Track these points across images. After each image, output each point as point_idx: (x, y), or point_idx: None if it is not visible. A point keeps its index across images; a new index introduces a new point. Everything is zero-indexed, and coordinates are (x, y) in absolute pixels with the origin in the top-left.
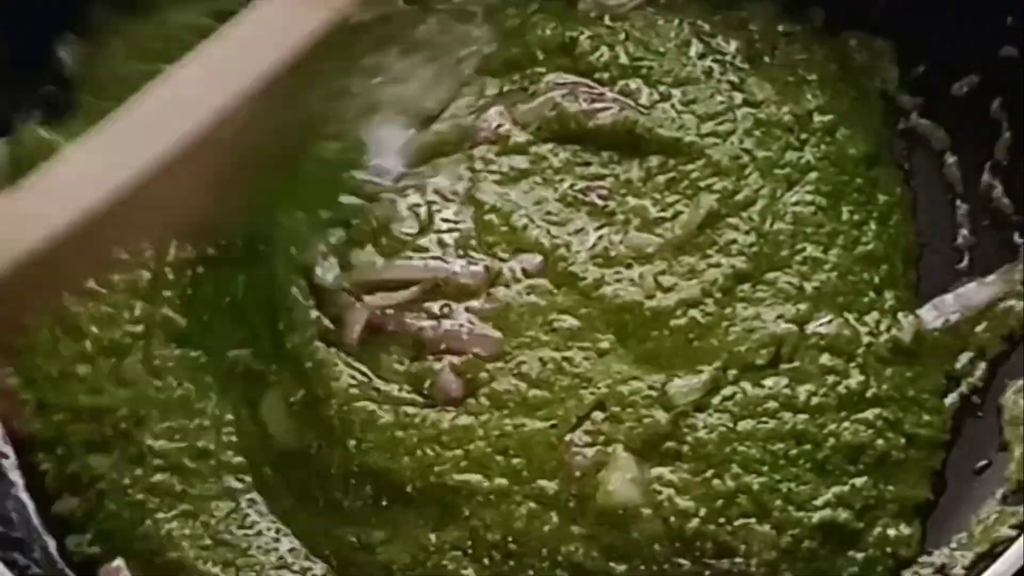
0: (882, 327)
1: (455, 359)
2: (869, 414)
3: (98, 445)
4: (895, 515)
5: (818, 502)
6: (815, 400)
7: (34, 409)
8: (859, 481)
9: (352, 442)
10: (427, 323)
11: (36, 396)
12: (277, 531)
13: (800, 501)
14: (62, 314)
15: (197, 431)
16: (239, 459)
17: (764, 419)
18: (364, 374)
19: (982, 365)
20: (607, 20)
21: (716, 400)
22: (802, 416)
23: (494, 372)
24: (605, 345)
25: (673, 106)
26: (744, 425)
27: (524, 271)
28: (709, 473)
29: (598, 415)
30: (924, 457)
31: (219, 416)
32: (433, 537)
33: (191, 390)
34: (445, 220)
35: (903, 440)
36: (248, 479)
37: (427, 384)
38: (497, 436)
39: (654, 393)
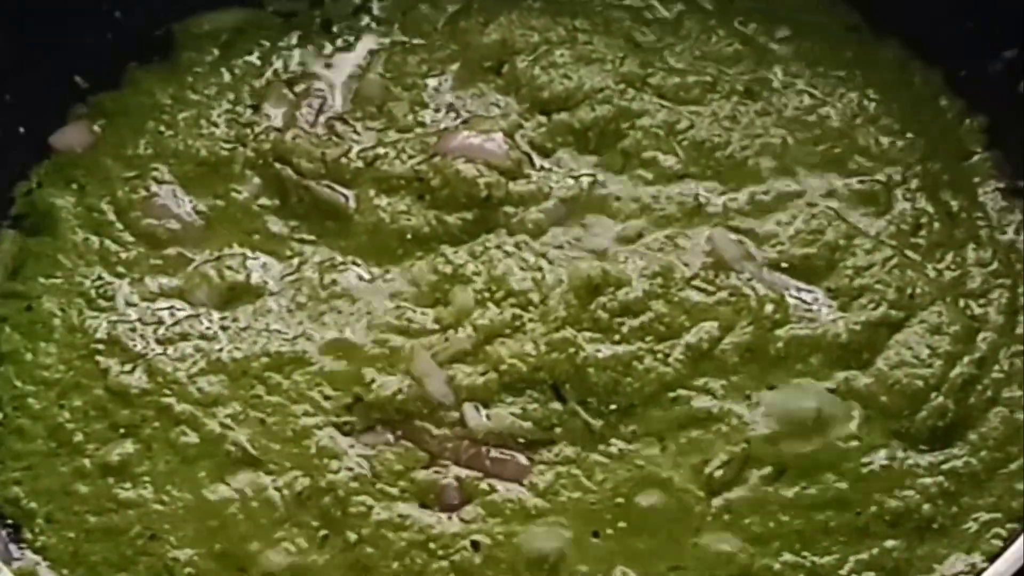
0: None
1: (461, 472)
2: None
3: (120, 564)
4: (923, 572)
5: (843, 571)
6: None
7: (44, 523)
8: (892, 543)
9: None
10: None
11: (43, 508)
12: None
13: (824, 574)
14: (55, 429)
15: (213, 533)
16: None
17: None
18: (364, 467)
19: None
20: None
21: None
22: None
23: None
24: None
25: None
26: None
27: None
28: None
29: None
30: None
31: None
32: None
33: (193, 499)
34: None
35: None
36: None
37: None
38: (489, 546)
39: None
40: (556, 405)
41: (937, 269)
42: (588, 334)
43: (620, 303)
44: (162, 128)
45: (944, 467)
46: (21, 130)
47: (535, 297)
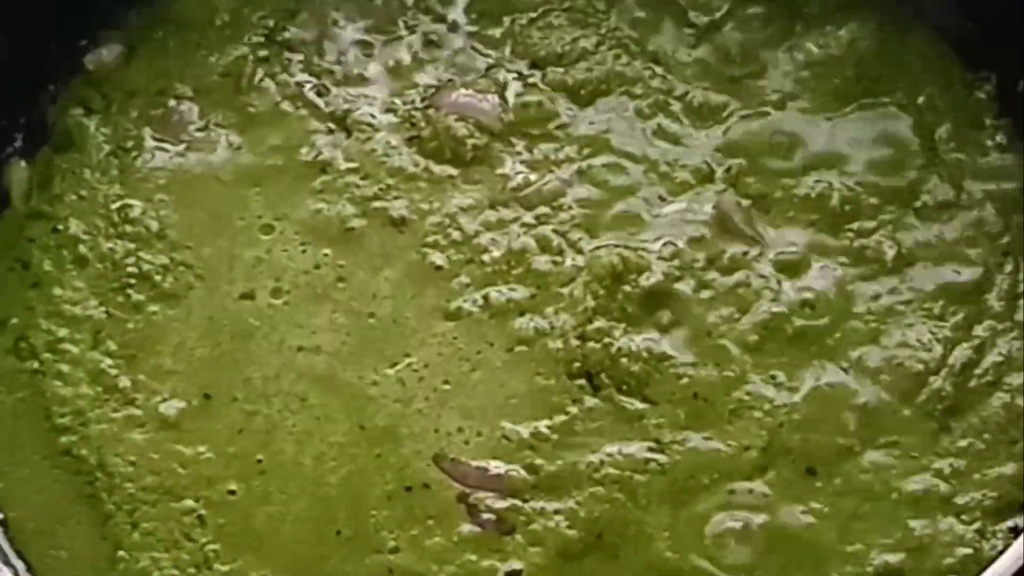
0: None
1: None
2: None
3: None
4: (948, 545)
5: (872, 554)
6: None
7: (94, 467)
8: (915, 523)
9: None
10: None
11: (96, 455)
12: None
13: (855, 561)
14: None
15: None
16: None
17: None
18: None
19: None
20: None
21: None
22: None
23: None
24: None
25: None
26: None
27: None
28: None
29: None
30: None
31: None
32: None
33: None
34: None
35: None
36: None
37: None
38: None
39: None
40: (592, 399)
41: (941, 230)
42: (620, 324)
43: (643, 289)
44: (197, 41)
45: (952, 448)
46: (53, 47)
47: (554, 280)
